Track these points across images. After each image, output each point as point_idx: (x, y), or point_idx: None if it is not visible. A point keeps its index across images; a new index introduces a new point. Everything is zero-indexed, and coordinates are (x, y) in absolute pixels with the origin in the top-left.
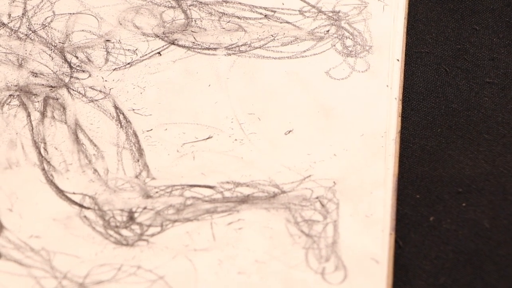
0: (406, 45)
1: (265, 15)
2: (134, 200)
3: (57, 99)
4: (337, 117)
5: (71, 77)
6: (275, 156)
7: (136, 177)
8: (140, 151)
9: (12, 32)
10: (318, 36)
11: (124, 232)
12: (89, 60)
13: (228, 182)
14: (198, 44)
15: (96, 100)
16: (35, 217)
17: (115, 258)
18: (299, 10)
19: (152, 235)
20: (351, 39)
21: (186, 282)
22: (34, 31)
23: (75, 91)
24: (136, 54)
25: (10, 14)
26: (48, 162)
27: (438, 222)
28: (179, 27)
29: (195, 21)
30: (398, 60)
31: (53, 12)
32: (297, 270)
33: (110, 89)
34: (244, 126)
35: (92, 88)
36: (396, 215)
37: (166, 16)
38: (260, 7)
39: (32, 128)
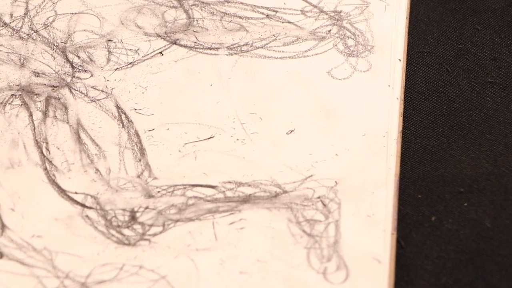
0: (408, 45)
1: (267, 15)
2: (136, 199)
3: (59, 98)
4: (338, 117)
5: (73, 77)
6: (277, 156)
7: (138, 176)
8: (142, 150)
9: (14, 32)
10: (320, 36)
11: (126, 231)
12: (91, 60)
13: (230, 182)
14: (200, 44)
15: (98, 100)
16: (37, 217)
17: (117, 258)
18: (301, 10)
19: (154, 234)
20: (353, 39)
21: (188, 281)
22: (36, 31)
23: (77, 90)
24: (138, 54)
25: (12, 14)
26: (50, 162)
27: (439, 222)
28: (181, 27)
29: (197, 21)
30: (400, 60)
31: (55, 11)
32: (299, 269)
33: (112, 88)
34: (246, 126)
35: (94, 88)
36: (398, 215)
37: (168, 16)
38: (262, 7)
39: (34, 127)
